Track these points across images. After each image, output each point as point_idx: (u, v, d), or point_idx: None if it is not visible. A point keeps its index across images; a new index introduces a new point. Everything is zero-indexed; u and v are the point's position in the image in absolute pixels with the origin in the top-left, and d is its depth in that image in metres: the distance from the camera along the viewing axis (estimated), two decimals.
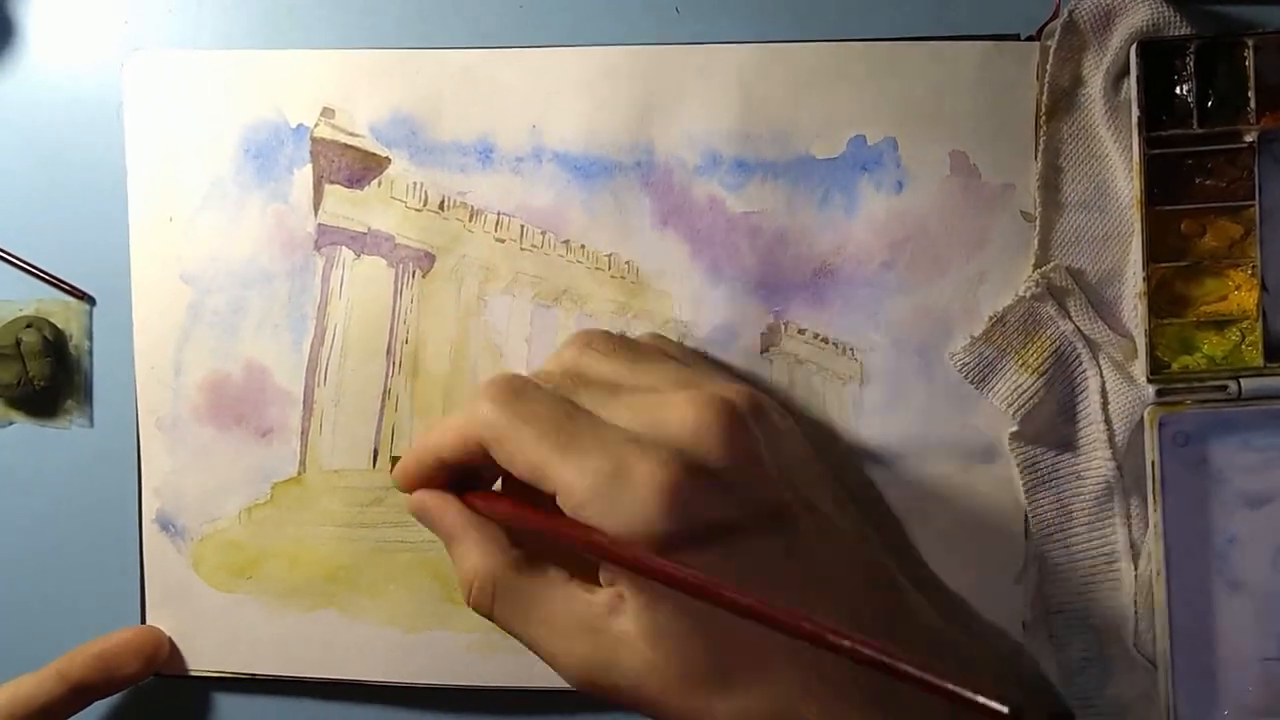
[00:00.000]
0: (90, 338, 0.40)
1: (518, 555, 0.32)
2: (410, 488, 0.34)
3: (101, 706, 0.40)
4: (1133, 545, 0.36)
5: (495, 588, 0.31)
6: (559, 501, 0.29)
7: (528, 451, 0.29)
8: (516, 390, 0.30)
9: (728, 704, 0.28)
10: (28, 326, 0.39)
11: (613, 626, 0.29)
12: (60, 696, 0.37)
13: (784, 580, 0.29)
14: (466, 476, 0.33)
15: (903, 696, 0.29)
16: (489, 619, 0.32)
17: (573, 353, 0.34)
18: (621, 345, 0.34)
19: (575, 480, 0.28)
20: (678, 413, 0.30)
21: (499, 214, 0.38)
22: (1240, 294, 0.35)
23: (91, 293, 0.40)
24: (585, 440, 0.29)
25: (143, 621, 0.39)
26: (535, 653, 0.31)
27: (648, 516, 0.28)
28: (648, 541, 0.28)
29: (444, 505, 0.33)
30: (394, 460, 0.37)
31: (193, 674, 0.39)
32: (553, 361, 0.34)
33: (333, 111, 0.38)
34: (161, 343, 0.39)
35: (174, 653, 0.39)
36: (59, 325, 0.40)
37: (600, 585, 0.30)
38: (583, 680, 0.30)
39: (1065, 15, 0.35)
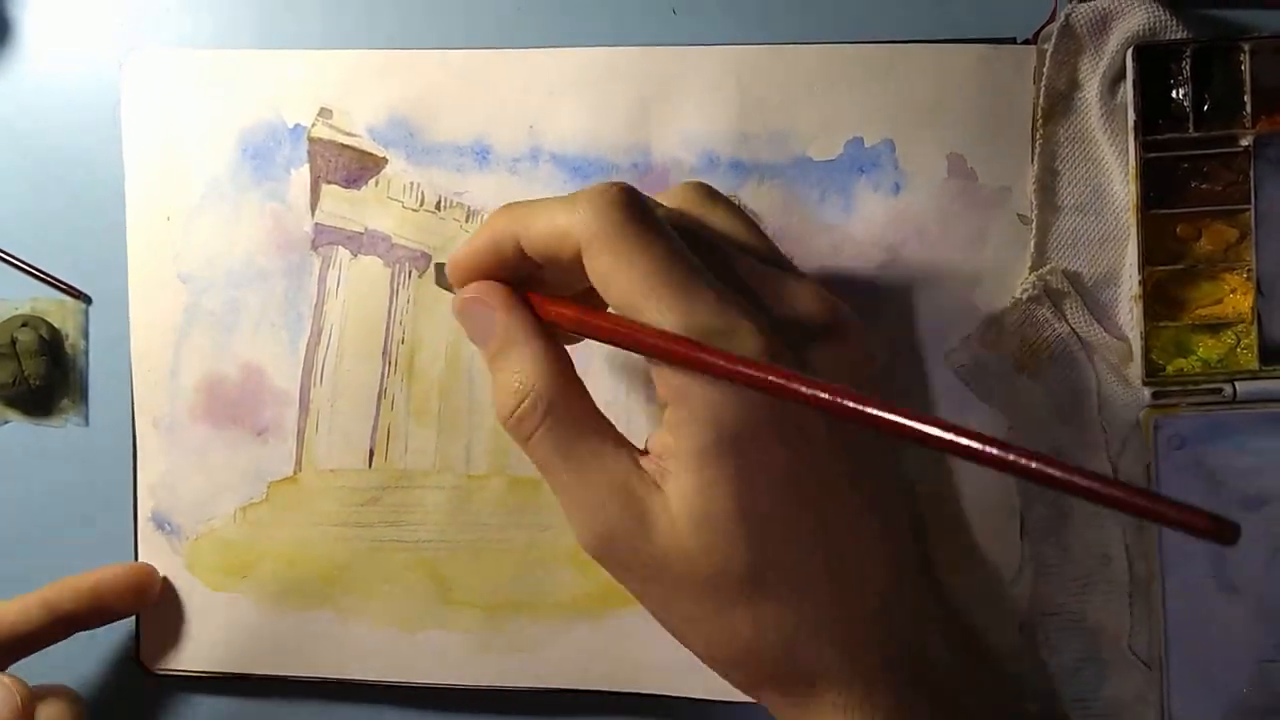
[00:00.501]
0: (86, 337, 0.40)
1: (577, 386, 0.29)
2: (465, 280, 0.30)
3: (96, 705, 0.40)
4: (1128, 547, 0.36)
5: (547, 410, 0.28)
6: None
7: (636, 278, 0.27)
8: (640, 208, 0.27)
9: (743, 616, 0.27)
10: (23, 325, 0.39)
11: (655, 497, 0.27)
12: (43, 625, 0.36)
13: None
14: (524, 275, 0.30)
15: (929, 653, 0.28)
16: (521, 445, 0.29)
17: (698, 197, 0.31)
18: (743, 213, 0.32)
19: (680, 324, 0.26)
20: (793, 294, 0.29)
21: None
22: (1235, 297, 0.36)
23: (88, 292, 0.40)
24: (698, 288, 0.27)
25: (137, 625, 0.39)
26: (559, 498, 0.29)
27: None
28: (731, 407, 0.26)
29: (508, 301, 0.29)
30: (439, 267, 0.32)
31: (188, 674, 0.39)
32: (669, 198, 0.31)
33: (330, 112, 0.38)
34: (158, 342, 0.39)
35: (167, 641, 0.39)
36: (55, 324, 0.40)
37: (648, 454, 0.29)
38: (598, 544, 0.28)
39: (1062, 19, 0.36)
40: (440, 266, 0.32)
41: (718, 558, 0.27)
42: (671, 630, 0.29)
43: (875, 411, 0.24)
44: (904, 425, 0.23)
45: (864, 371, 0.30)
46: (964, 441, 0.22)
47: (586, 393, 0.29)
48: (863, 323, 0.31)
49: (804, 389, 0.24)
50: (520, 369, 0.29)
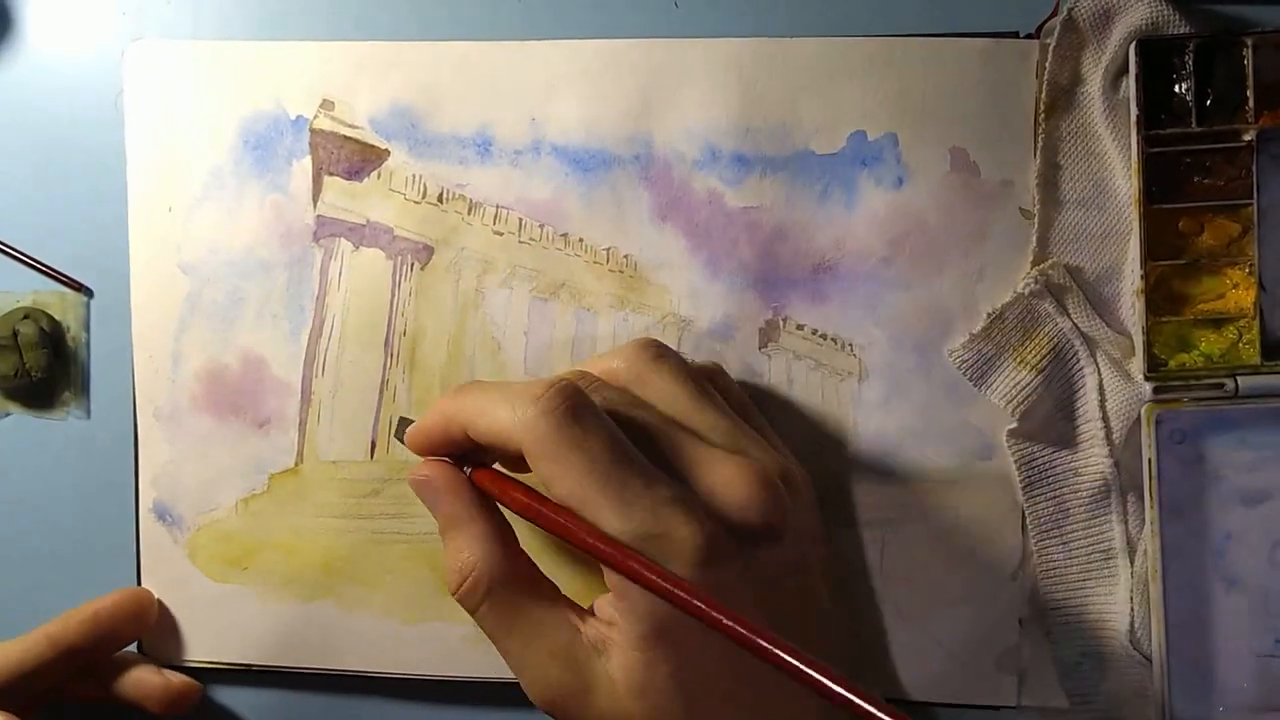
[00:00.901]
0: (87, 329, 0.40)
1: (519, 560, 0.31)
2: (420, 450, 0.33)
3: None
4: (1129, 542, 0.36)
5: (489, 588, 0.31)
6: None
7: (573, 482, 0.29)
8: (576, 411, 0.29)
9: None
10: (25, 318, 0.39)
11: (596, 664, 0.30)
12: (49, 660, 0.36)
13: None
14: (477, 451, 0.32)
15: None
16: (469, 613, 0.31)
17: (644, 361, 0.33)
18: (689, 374, 0.33)
19: (617, 528, 0.28)
20: (727, 483, 0.30)
21: (498, 207, 0.38)
22: (1238, 292, 0.36)
23: (89, 284, 0.40)
24: (634, 490, 0.29)
25: None
26: (505, 659, 0.31)
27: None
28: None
29: (454, 484, 0.32)
30: (403, 422, 0.35)
31: (188, 664, 0.39)
32: (619, 360, 0.33)
33: (332, 103, 0.38)
34: (159, 333, 0.39)
35: (168, 633, 0.39)
36: (56, 316, 0.40)
37: (593, 615, 0.30)
38: (545, 704, 0.31)
39: (1064, 13, 0.36)
40: (404, 422, 0.34)
41: (663, 713, 0.29)
42: None
43: (767, 646, 0.26)
44: (792, 666, 0.25)
45: (795, 573, 0.31)
46: (839, 691, 0.25)
47: (531, 565, 0.32)
48: (803, 503, 0.33)
49: (711, 613, 0.26)
50: (464, 549, 0.31)
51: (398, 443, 0.38)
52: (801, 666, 0.25)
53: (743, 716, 0.29)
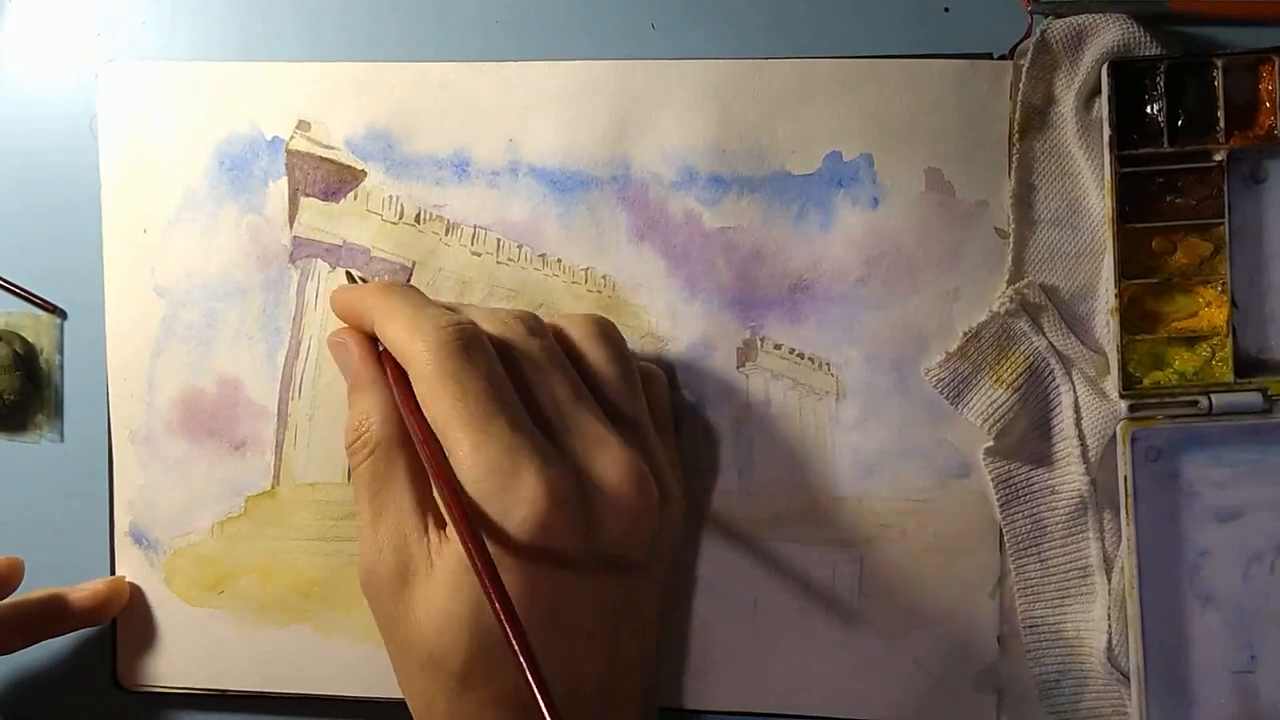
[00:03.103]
0: (61, 351, 0.40)
1: (408, 441, 0.32)
2: (344, 321, 0.34)
3: None
4: (1106, 559, 0.36)
5: (372, 450, 0.32)
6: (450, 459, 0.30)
7: (443, 408, 0.30)
8: (465, 348, 0.30)
9: (450, 696, 0.30)
10: None
11: (419, 569, 0.30)
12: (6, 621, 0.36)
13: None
14: None
15: None
16: (350, 466, 0.32)
17: (590, 334, 0.34)
18: (626, 364, 0.34)
19: (467, 459, 0.29)
20: (608, 465, 0.31)
21: (475, 227, 0.38)
22: (1210, 310, 0.36)
23: (63, 306, 0.40)
24: (497, 428, 0.29)
25: (114, 639, 0.39)
26: (356, 521, 0.32)
27: (513, 525, 0.29)
28: (499, 541, 0.29)
29: (367, 352, 0.33)
30: (350, 277, 0.37)
31: (163, 689, 0.39)
32: (570, 324, 0.34)
33: (308, 124, 0.38)
34: (134, 356, 0.39)
35: (143, 657, 0.39)
36: (29, 339, 0.40)
37: (434, 525, 0.31)
38: (364, 577, 0.32)
39: (1037, 35, 0.36)
40: (350, 277, 0.37)
41: (455, 640, 0.30)
42: (397, 675, 0.33)
43: (518, 654, 0.26)
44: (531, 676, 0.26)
45: (635, 591, 0.32)
46: None
47: (417, 456, 0.32)
48: (669, 533, 0.34)
49: (487, 586, 0.27)
50: (367, 408, 0.32)
51: None
52: (537, 692, 0.26)
53: (518, 689, 0.29)
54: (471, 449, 0.29)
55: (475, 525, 0.28)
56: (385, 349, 0.33)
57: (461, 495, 0.29)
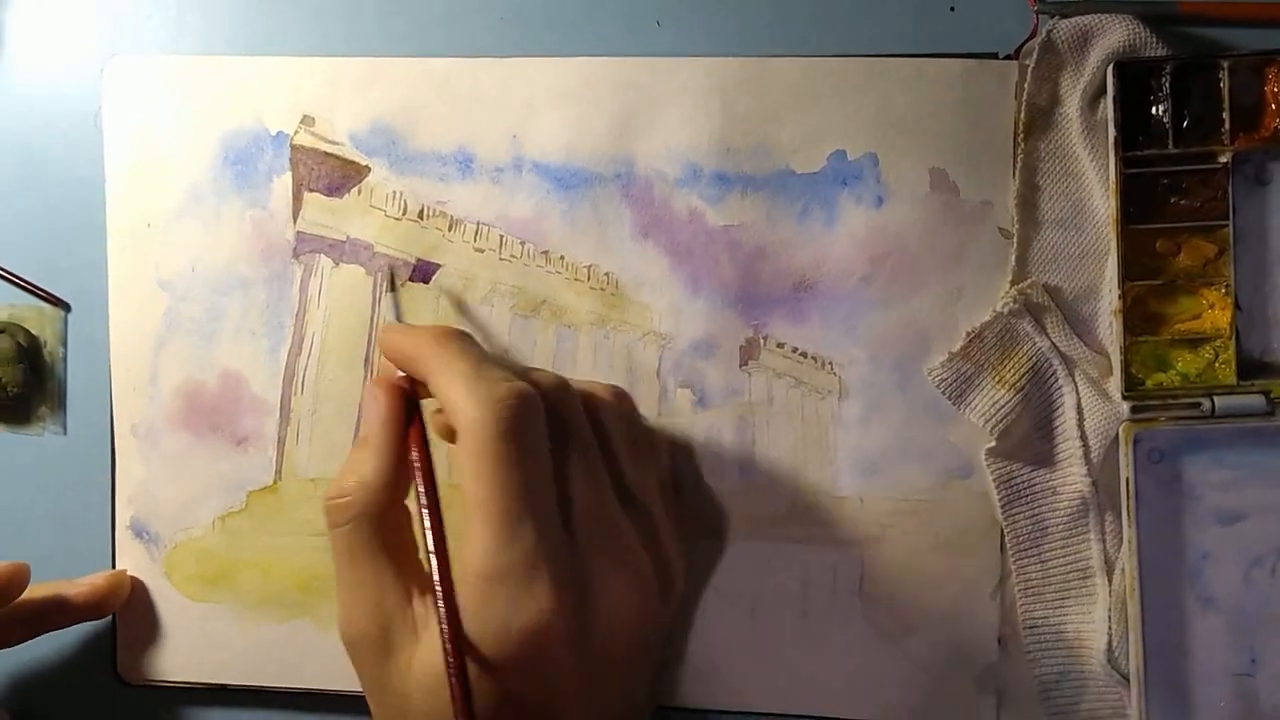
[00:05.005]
0: (65, 344, 0.40)
1: (395, 510, 0.31)
2: (386, 353, 0.33)
3: (73, 718, 0.39)
4: (1107, 561, 0.36)
5: (353, 518, 0.31)
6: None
7: (478, 491, 0.29)
8: (521, 430, 0.30)
9: None
10: (1, 333, 0.39)
11: (404, 641, 0.30)
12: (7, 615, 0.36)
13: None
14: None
15: None
16: (325, 522, 0.31)
17: (599, 401, 0.34)
18: (639, 441, 0.34)
19: (486, 553, 0.29)
20: (617, 580, 0.31)
21: (478, 224, 0.38)
22: (1214, 312, 0.36)
23: (67, 299, 0.40)
24: (525, 534, 0.29)
25: (115, 633, 0.39)
26: (336, 581, 0.31)
27: (510, 632, 0.28)
28: (491, 642, 0.28)
29: (391, 415, 0.32)
30: (394, 277, 0.37)
31: (164, 684, 0.39)
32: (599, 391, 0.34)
33: (312, 119, 0.38)
34: (137, 349, 0.39)
35: (144, 651, 0.39)
36: (33, 331, 0.40)
37: (419, 595, 0.30)
38: (346, 642, 0.31)
39: (1043, 35, 0.36)
40: (394, 277, 0.36)
41: (435, 711, 0.29)
42: None
43: None
44: None
45: (629, 649, 0.32)
46: None
47: (405, 522, 0.32)
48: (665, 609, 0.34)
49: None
50: (358, 472, 0.31)
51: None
52: None
53: None
54: (494, 545, 0.28)
55: (460, 637, 0.28)
56: (406, 380, 0.32)
57: (452, 600, 0.28)
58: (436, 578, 0.28)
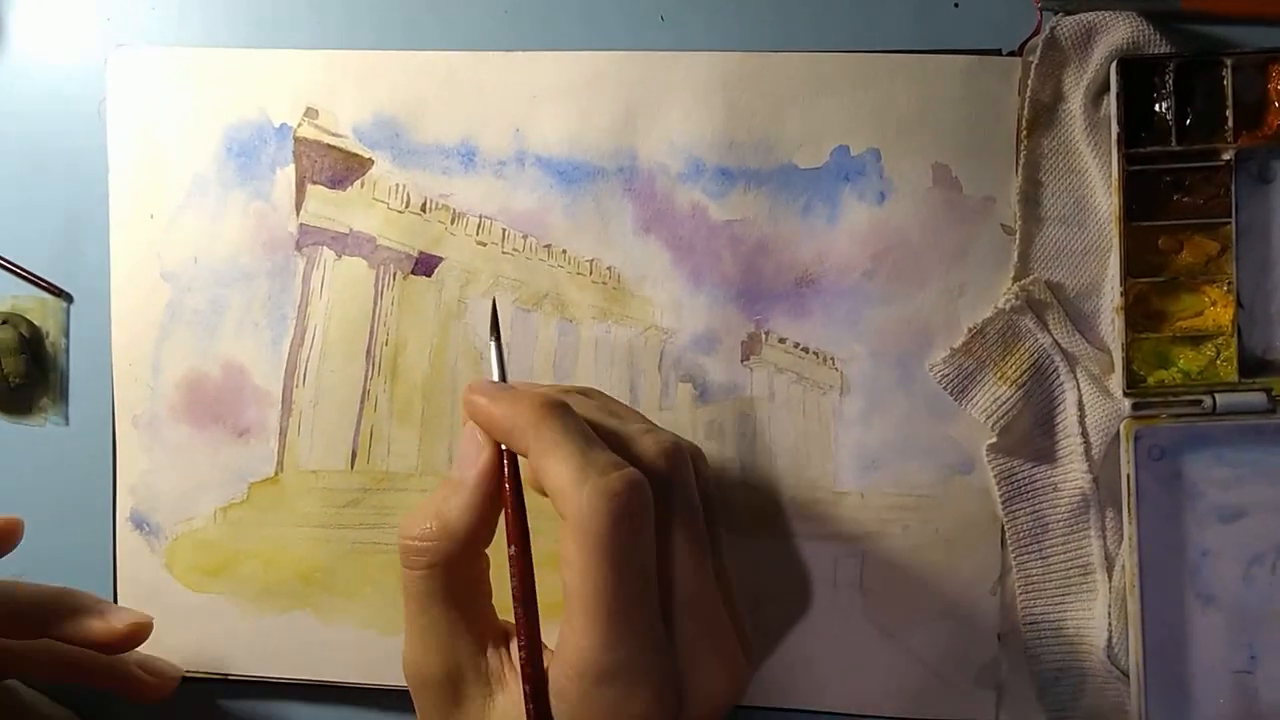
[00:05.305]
0: (67, 335, 0.40)
1: (477, 560, 0.31)
2: (481, 428, 0.31)
3: (74, 708, 0.39)
4: (1107, 557, 0.36)
5: (431, 564, 0.29)
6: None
7: (585, 582, 0.28)
8: (632, 521, 0.28)
9: None
10: (3, 323, 0.39)
11: (475, 694, 0.29)
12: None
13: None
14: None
15: None
16: (401, 560, 0.30)
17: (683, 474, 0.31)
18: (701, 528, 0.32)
19: (591, 652, 0.27)
20: (712, 678, 0.29)
21: (481, 217, 0.38)
22: (1216, 310, 0.36)
23: (69, 290, 0.40)
24: (633, 634, 0.28)
25: None
26: (405, 622, 0.30)
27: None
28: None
29: (490, 470, 0.30)
30: (495, 326, 0.32)
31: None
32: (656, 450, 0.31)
33: (316, 112, 0.38)
34: (139, 341, 0.39)
35: (144, 642, 0.39)
36: (35, 322, 0.40)
37: (507, 647, 0.30)
38: (411, 683, 0.30)
39: (1047, 31, 0.36)
40: (495, 326, 0.32)
41: None
42: None
43: None
44: None
45: None
46: None
47: (484, 570, 0.31)
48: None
49: None
50: (445, 513, 0.30)
51: (379, 453, 0.38)
52: None
53: None
54: (598, 645, 0.27)
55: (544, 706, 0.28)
56: (509, 475, 0.30)
57: (539, 686, 0.28)
58: (523, 645, 0.28)
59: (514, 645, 0.30)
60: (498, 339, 0.32)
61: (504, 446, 0.30)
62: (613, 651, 0.27)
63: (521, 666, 0.28)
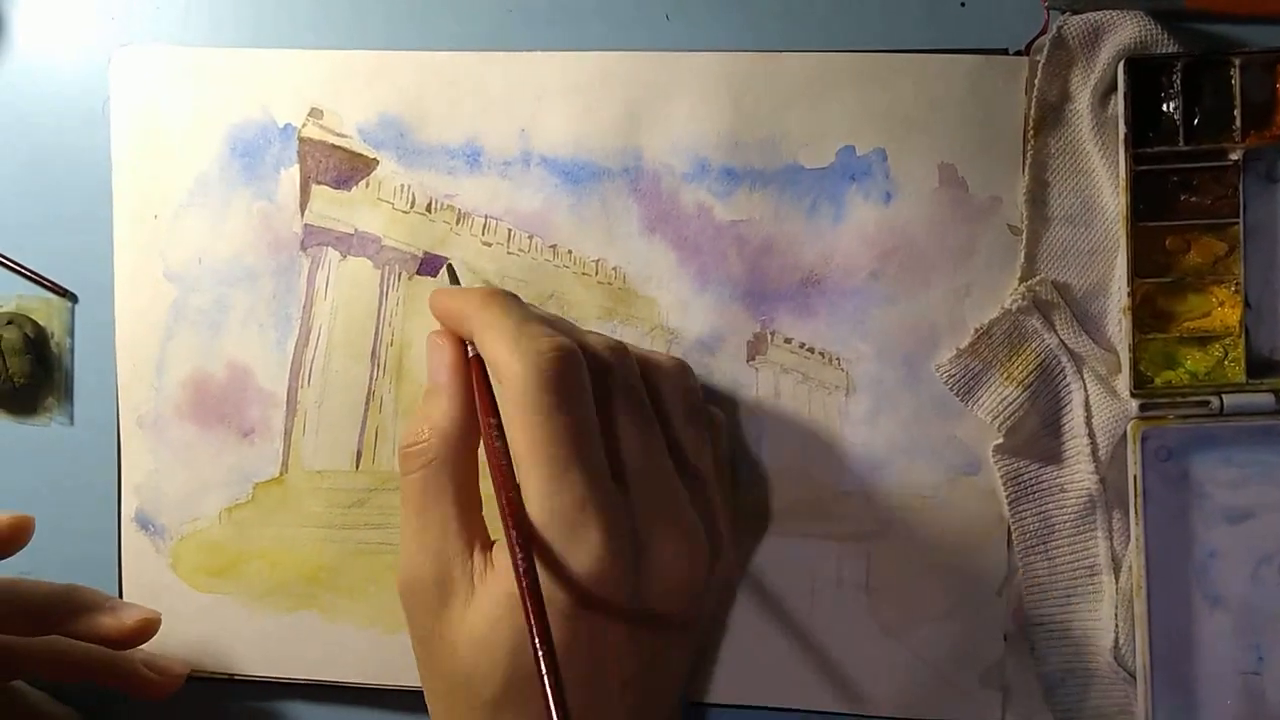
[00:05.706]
0: (71, 335, 0.40)
1: (468, 457, 0.32)
2: (440, 322, 0.34)
3: (79, 708, 0.39)
4: (1114, 558, 0.36)
5: (428, 463, 0.31)
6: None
7: (525, 441, 0.29)
8: (564, 382, 0.30)
9: (478, 718, 0.30)
10: (8, 323, 0.39)
11: (460, 591, 0.30)
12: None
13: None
14: None
15: None
16: (400, 469, 0.32)
17: (660, 371, 0.34)
18: (698, 411, 0.34)
19: (536, 499, 0.29)
20: (669, 532, 0.31)
21: (486, 217, 0.38)
22: (1223, 310, 0.36)
23: (73, 290, 0.40)
24: (574, 479, 0.29)
25: None
26: (401, 527, 0.32)
27: (566, 574, 0.29)
28: (548, 585, 0.28)
29: (456, 361, 0.33)
30: (451, 271, 0.37)
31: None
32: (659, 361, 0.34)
33: (321, 112, 0.38)
34: (144, 341, 0.39)
35: (149, 643, 0.39)
36: (40, 322, 0.40)
37: (491, 550, 0.31)
38: (403, 587, 0.31)
39: (1054, 31, 0.36)
40: (452, 271, 0.37)
41: (489, 669, 0.29)
42: (423, 684, 0.32)
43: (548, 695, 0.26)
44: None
45: (680, 608, 0.32)
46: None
47: (474, 474, 0.32)
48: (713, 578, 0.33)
49: (533, 634, 0.27)
50: (435, 415, 0.32)
51: (384, 454, 0.38)
52: None
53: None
54: (544, 491, 0.29)
55: (533, 565, 0.28)
56: (476, 354, 0.32)
57: (525, 531, 0.29)
58: (509, 515, 0.29)
59: (497, 549, 0.31)
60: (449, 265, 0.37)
61: (468, 345, 0.32)
62: (554, 497, 0.29)
63: (503, 518, 0.29)
